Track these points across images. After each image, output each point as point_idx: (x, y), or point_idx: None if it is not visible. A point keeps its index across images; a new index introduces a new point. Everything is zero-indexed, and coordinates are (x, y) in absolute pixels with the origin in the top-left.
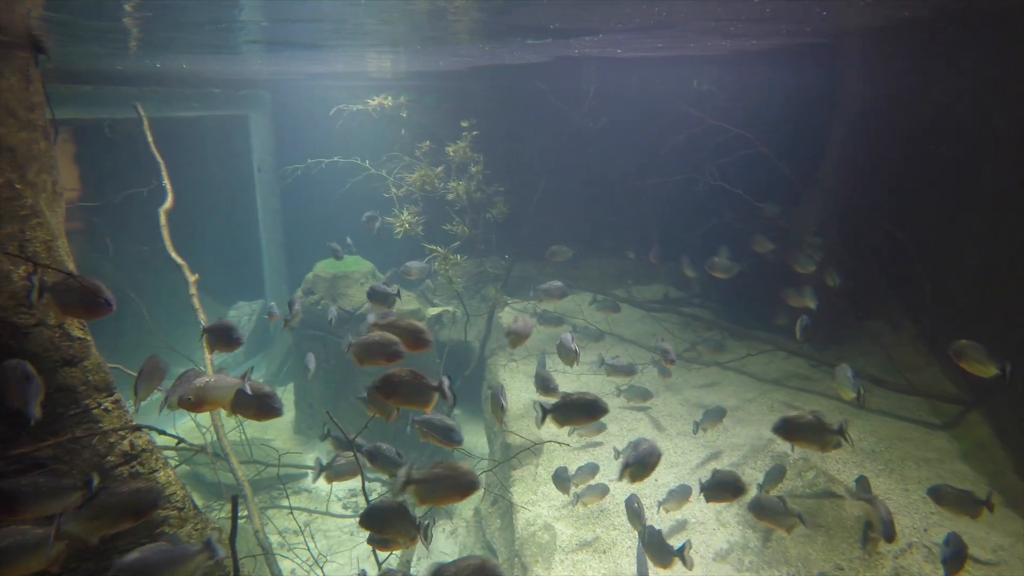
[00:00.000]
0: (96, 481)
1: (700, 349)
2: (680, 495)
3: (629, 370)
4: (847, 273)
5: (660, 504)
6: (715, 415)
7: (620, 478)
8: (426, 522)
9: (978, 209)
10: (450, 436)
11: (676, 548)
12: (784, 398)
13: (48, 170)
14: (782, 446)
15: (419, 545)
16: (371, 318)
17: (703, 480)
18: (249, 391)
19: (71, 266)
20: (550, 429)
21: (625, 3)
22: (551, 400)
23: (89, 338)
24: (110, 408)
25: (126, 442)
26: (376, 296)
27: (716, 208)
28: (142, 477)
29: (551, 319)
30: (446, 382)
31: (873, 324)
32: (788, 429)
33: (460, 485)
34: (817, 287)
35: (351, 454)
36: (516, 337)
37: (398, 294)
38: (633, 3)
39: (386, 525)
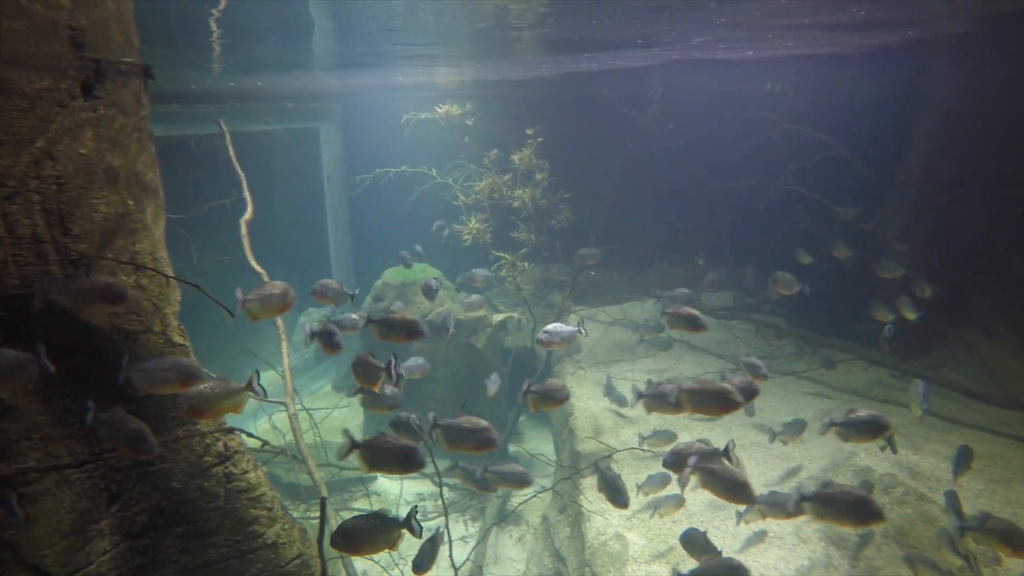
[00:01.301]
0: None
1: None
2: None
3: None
4: (935, 278)
5: (740, 516)
6: (796, 428)
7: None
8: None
9: None
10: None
11: None
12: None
13: (155, 187)
14: (864, 460)
15: (490, 548)
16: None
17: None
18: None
19: (170, 271)
20: (619, 437)
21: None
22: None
23: (188, 344)
24: None
25: (220, 443)
26: (426, 292)
27: (792, 213)
28: (235, 478)
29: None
30: (393, 362)
31: (965, 332)
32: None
33: (480, 440)
34: (902, 294)
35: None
36: (545, 344)
37: (438, 289)
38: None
39: (359, 543)
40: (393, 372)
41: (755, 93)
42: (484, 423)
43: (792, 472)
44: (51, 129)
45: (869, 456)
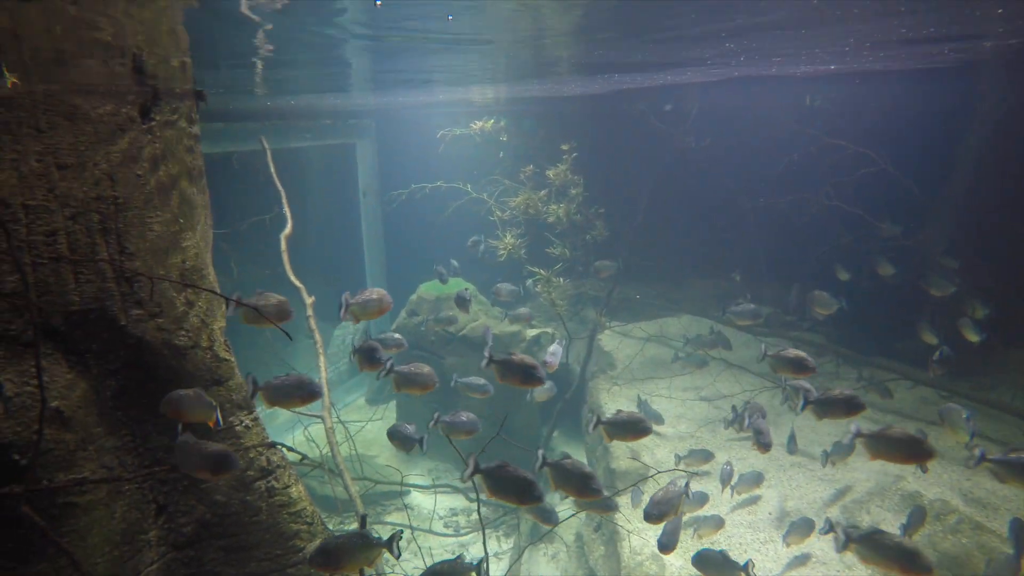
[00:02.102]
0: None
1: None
2: (803, 528)
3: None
4: (987, 297)
5: (784, 538)
6: (846, 449)
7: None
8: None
9: None
10: (589, 485)
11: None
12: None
13: (203, 206)
14: (912, 484)
15: (524, 565)
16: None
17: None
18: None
19: (216, 287)
20: (655, 455)
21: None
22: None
23: (233, 359)
24: (250, 425)
25: (263, 458)
26: (459, 302)
27: (833, 229)
28: (277, 492)
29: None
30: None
31: (1019, 353)
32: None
33: (523, 496)
34: (950, 312)
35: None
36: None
37: (470, 300)
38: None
39: (338, 560)
40: (423, 446)
41: (793, 107)
42: (529, 478)
43: (838, 495)
44: (112, 152)
45: (917, 480)
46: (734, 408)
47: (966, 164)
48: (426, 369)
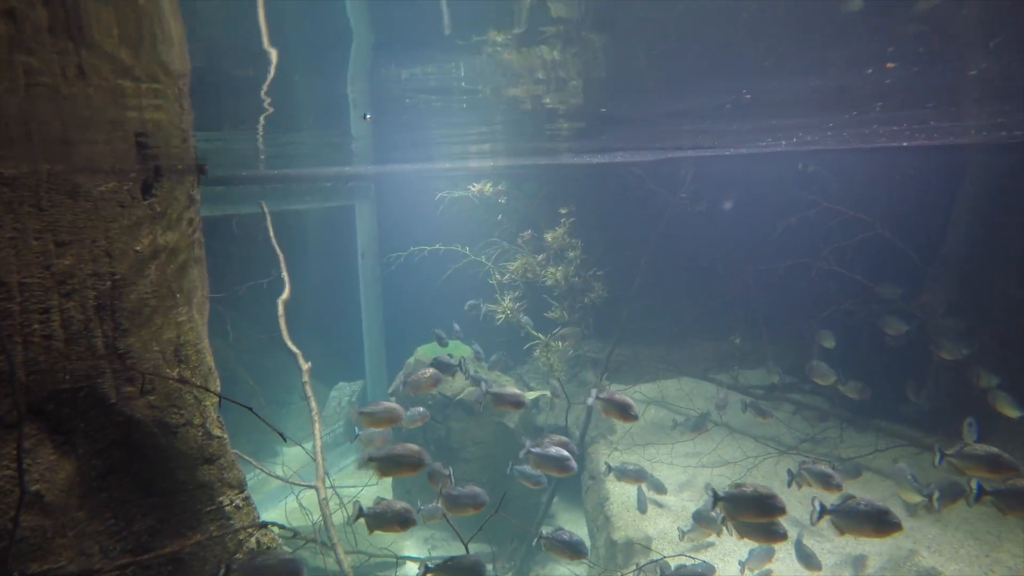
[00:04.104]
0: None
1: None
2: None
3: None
4: (991, 359)
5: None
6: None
7: None
8: None
9: None
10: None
11: None
12: (922, 501)
13: (202, 279)
14: (927, 559)
15: None
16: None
17: None
18: None
19: (210, 361)
20: (657, 525)
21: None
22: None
23: (226, 436)
24: (241, 505)
25: (254, 539)
26: (440, 367)
27: (834, 294)
28: None
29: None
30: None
31: None
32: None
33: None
34: (956, 375)
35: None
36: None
37: (460, 366)
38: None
39: None
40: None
41: (789, 172)
42: None
43: (845, 563)
44: (112, 228)
45: (932, 554)
46: None
47: (960, 227)
48: (413, 449)
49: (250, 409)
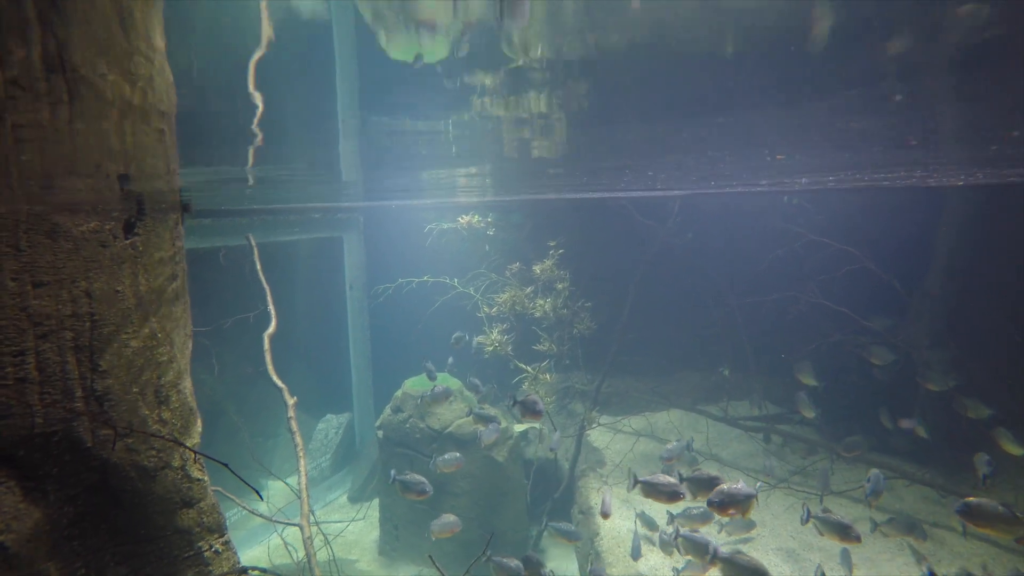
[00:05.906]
0: None
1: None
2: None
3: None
4: (978, 390)
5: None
6: (846, 561)
7: None
8: None
9: None
10: None
11: None
12: (913, 536)
13: (184, 316)
14: None
15: None
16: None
17: None
18: None
19: (192, 401)
20: (648, 562)
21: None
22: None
23: (206, 479)
24: (220, 550)
25: None
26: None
27: (821, 325)
28: None
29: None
30: None
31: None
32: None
33: None
34: (942, 406)
35: None
36: None
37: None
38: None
39: None
40: None
41: (776, 205)
42: None
43: None
44: (92, 268)
45: None
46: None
47: (941, 259)
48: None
49: (226, 466)
